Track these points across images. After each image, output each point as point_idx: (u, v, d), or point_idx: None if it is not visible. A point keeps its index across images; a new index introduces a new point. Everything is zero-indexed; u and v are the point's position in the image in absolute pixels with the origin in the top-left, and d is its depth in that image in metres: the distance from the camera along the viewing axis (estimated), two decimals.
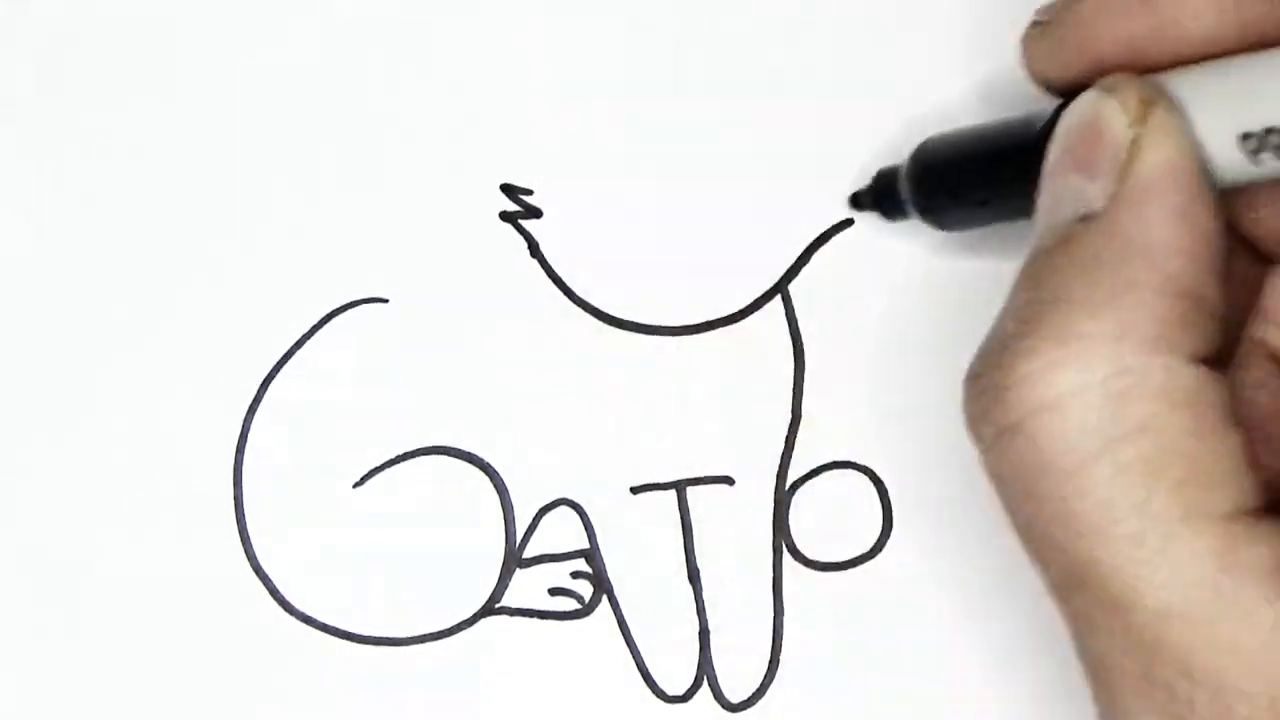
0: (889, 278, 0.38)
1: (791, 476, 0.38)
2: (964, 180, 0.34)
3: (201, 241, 0.38)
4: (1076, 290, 0.27)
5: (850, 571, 0.38)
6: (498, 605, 0.38)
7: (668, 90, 0.38)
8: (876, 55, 0.38)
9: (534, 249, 0.38)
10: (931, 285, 0.38)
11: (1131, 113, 0.28)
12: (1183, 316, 0.27)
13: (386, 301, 0.38)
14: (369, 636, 0.38)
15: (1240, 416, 0.28)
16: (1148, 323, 0.27)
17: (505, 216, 0.38)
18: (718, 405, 0.38)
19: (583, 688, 0.38)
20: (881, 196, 0.37)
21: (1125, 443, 0.26)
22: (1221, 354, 0.28)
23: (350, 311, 0.38)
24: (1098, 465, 0.26)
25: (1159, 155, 0.27)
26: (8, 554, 0.38)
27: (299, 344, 0.38)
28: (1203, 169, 0.27)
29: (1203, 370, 0.27)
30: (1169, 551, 0.26)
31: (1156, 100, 0.28)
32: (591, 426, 0.38)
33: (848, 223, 0.38)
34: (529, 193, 0.38)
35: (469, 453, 0.38)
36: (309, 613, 0.38)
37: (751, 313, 0.38)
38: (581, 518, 0.38)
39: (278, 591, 0.38)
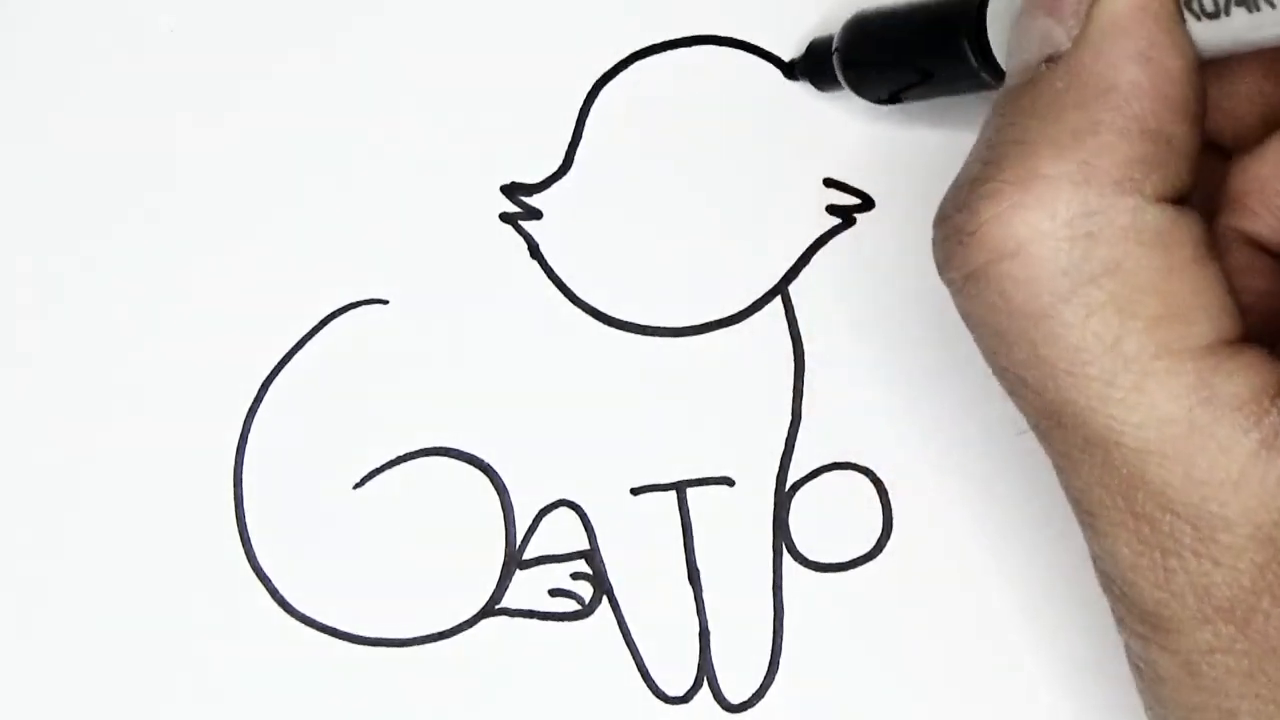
0: (889, 278, 0.38)
1: (791, 477, 0.38)
2: (895, 47, 0.35)
3: (202, 242, 0.38)
4: (1039, 131, 0.27)
5: (850, 572, 0.38)
6: (498, 606, 0.38)
7: (668, 90, 0.38)
8: None
9: (534, 250, 0.38)
10: (931, 285, 0.38)
11: None
12: (1147, 156, 0.26)
13: (386, 302, 0.38)
14: (369, 637, 0.38)
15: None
16: (1112, 164, 0.26)
17: (505, 218, 0.38)
18: (718, 405, 0.38)
19: (583, 688, 0.38)
20: (814, 67, 0.37)
21: (1094, 285, 0.26)
22: (1191, 193, 0.28)
23: (350, 312, 0.38)
24: (1066, 308, 0.26)
25: None
26: (8, 554, 0.38)
27: (299, 344, 0.38)
28: (1173, 11, 0.27)
29: (1171, 209, 0.27)
30: (1144, 390, 0.26)
31: None
32: (591, 426, 0.38)
33: (848, 224, 0.38)
34: (529, 193, 0.38)
35: (469, 453, 0.38)
36: (309, 613, 0.38)
37: (752, 313, 0.38)
38: (581, 518, 0.38)
39: (278, 591, 0.38)
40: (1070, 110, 0.27)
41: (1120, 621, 0.28)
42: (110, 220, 0.38)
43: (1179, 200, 0.27)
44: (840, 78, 0.36)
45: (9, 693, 0.38)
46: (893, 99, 0.36)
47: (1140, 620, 0.28)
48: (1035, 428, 0.28)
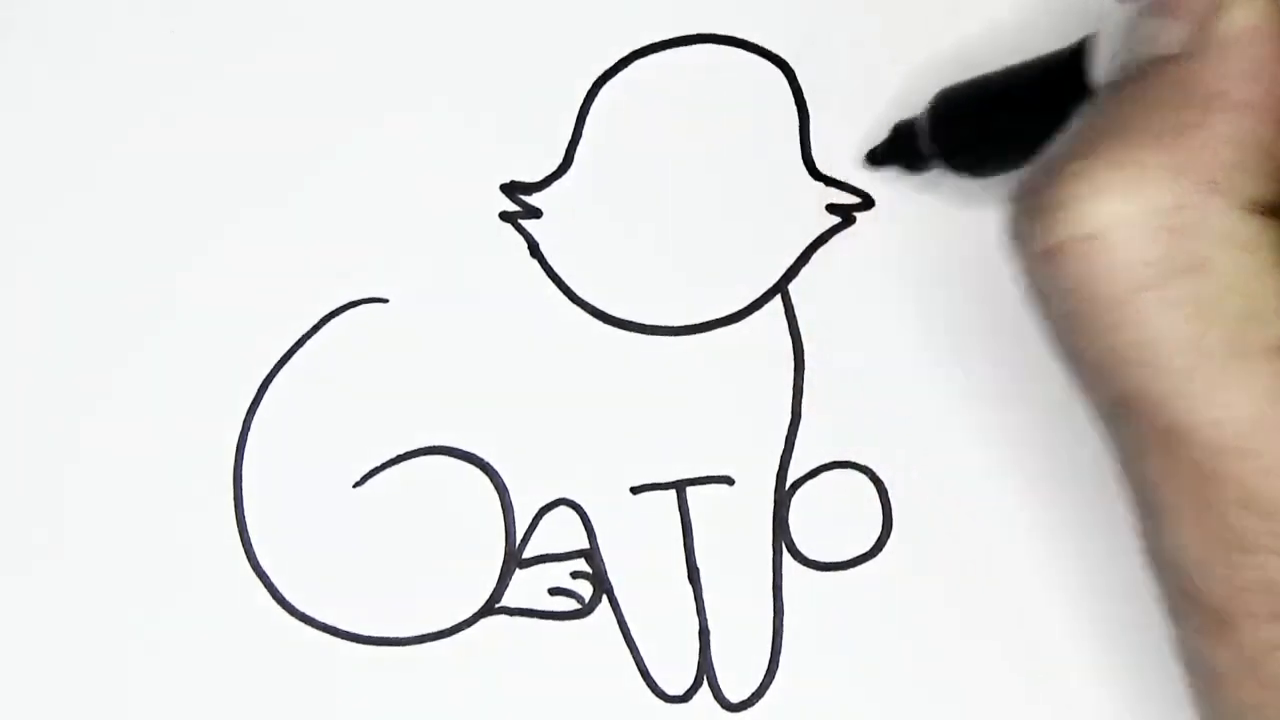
0: (889, 278, 0.38)
1: (791, 476, 0.38)
2: (991, 117, 0.34)
3: (202, 242, 0.38)
4: (1141, 122, 0.27)
5: (850, 571, 0.38)
6: (498, 605, 0.38)
7: (668, 90, 0.38)
8: (877, 57, 0.38)
9: (534, 249, 0.38)
10: (931, 285, 0.38)
11: None
12: (1246, 165, 0.26)
13: (386, 302, 0.38)
14: (369, 636, 0.38)
15: None
16: (1210, 164, 0.26)
17: (505, 216, 0.38)
18: (718, 405, 0.38)
19: (583, 688, 0.38)
20: (901, 149, 0.36)
21: (1178, 279, 0.26)
22: None
23: (350, 311, 0.38)
24: (1146, 299, 0.26)
25: (1246, 12, 0.27)
26: (8, 554, 0.38)
27: (299, 344, 0.38)
28: None
29: (1260, 217, 0.27)
30: (1222, 387, 0.26)
31: None
32: (591, 426, 0.38)
33: (848, 223, 0.38)
34: (529, 192, 0.38)
35: (469, 453, 0.38)
36: (309, 612, 0.38)
37: (751, 313, 0.38)
38: (581, 518, 0.38)
39: (278, 591, 0.38)
40: (1175, 109, 0.26)
41: (1178, 617, 0.28)
42: (111, 219, 0.38)
43: (1272, 212, 0.27)
44: (935, 156, 0.35)
45: (9, 692, 0.38)
46: (990, 171, 0.35)
47: (1202, 614, 0.27)
48: (1102, 416, 0.28)
